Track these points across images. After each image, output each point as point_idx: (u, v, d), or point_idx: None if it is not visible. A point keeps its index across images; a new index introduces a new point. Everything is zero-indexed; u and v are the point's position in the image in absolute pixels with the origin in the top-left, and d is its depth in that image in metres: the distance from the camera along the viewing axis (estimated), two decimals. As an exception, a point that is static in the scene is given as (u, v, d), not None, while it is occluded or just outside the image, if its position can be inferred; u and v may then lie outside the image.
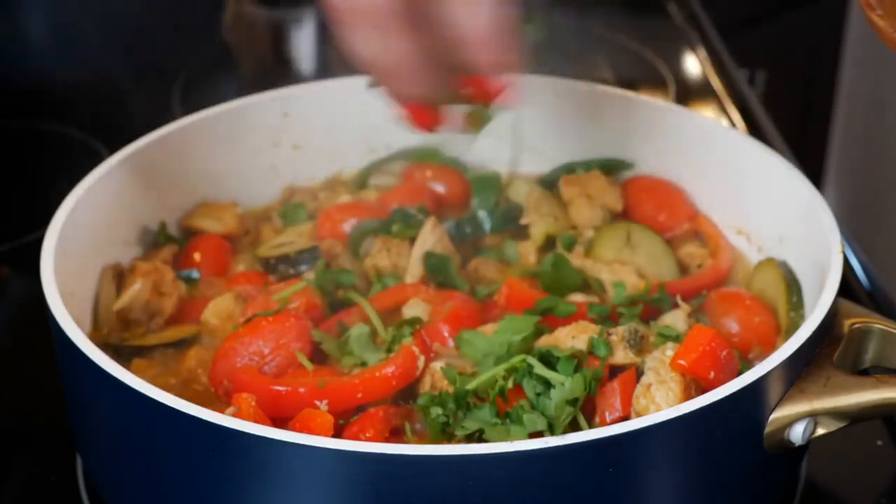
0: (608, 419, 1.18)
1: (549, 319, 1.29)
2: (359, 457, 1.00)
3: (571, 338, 1.23)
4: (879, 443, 1.36)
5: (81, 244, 1.31)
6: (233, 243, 1.48)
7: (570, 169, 1.55)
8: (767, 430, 1.12)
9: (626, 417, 1.17)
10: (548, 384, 1.17)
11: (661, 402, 1.15)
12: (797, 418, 1.12)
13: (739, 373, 1.14)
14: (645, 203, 1.50)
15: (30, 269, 1.23)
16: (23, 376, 1.45)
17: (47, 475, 1.32)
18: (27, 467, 1.35)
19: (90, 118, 1.88)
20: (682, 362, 1.18)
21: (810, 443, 1.28)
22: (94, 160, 1.38)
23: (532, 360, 1.19)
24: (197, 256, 1.44)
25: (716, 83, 2.13)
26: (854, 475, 1.34)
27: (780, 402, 1.12)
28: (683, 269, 1.45)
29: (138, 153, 1.41)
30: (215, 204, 1.51)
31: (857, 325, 1.21)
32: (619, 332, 1.23)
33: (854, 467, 1.35)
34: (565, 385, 1.16)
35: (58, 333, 1.16)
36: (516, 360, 1.20)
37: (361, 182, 1.58)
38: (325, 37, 2.21)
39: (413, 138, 1.58)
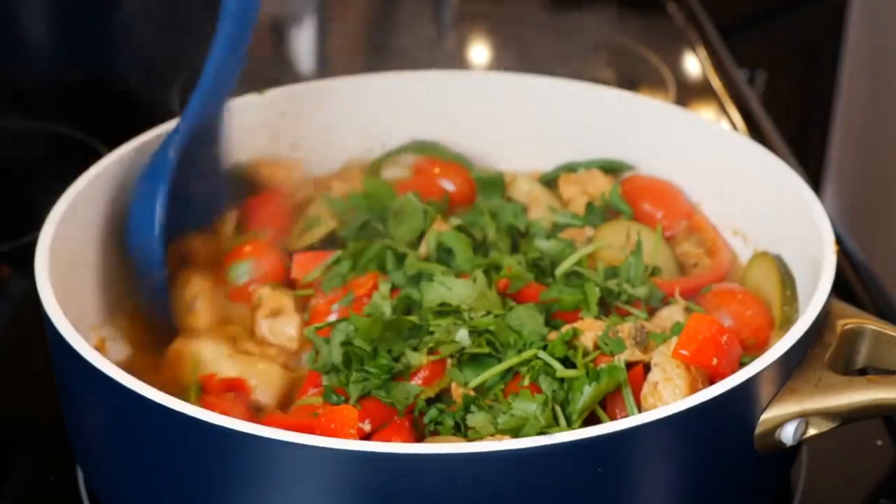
0: (619, 417, 1.17)
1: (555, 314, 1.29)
2: (352, 455, 1.00)
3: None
4: (879, 443, 1.36)
5: (77, 243, 1.31)
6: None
7: (570, 168, 1.56)
8: (758, 430, 1.12)
9: None
10: (561, 380, 1.17)
11: (669, 400, 1.15)
12: (788, 419, 1.12)
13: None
14: (643, 201, 1.50)
15: (30, 269, 1.22)
16: (23, 376, 1.45)
17: (47, 475, 1.32)
18: (27, 467, 1.35)
19: (90, 118, 1.88)
20: (683, 352, 1.17)
21: (810, 442, 1.29)
22: (94, 160, 1.38)
23: (547, 358, 1.18)
24: (257, 216, 1.45)
25: (716, 83, 2.13)
26: (854, 475, 1.34)
27: (771, 402, 1.12)
28: (679, 267, 1.44)
29: (133, 152, 1.41)
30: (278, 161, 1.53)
31: (849, 326, 1.21)
32: (625, 330, 1.23)
33: (854, 467, 1.35)
34: (597, 385, 1.15)
35: (51, 331, 1.16)
36: (527, 353, 1.19)
37: (374, 172, 1.57)
38: (325, 37, 2.22)
39: (417, 132, 1.59)
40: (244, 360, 1.29)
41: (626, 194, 1.50)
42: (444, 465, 1.00)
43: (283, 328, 1.34)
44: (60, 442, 1.28)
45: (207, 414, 1.03)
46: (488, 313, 1.25)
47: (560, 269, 1.35)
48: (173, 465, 1.09)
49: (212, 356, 1.29)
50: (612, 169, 1.54)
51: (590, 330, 1.23)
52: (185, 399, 1.09)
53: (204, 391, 1.26)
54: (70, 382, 1.19)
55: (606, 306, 1.31)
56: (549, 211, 1.48)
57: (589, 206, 1.47)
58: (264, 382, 1.27)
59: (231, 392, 1.26)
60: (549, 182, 1.56)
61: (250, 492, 1.05)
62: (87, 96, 1.93)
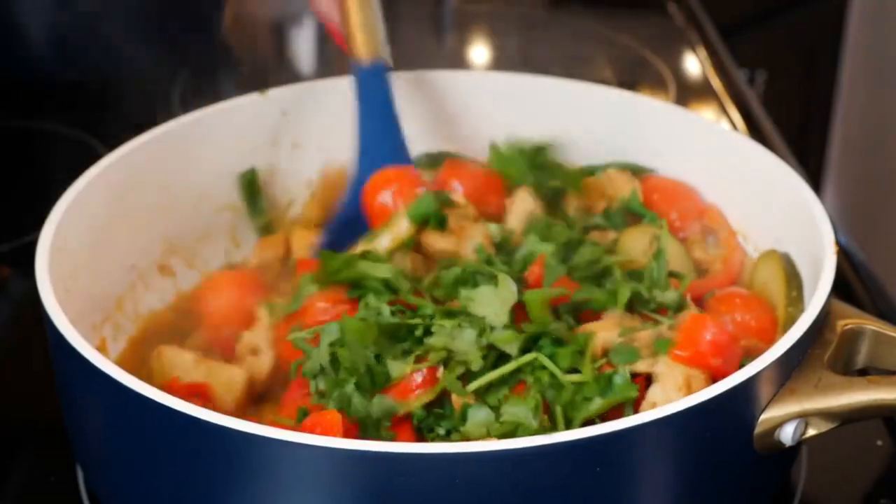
0: None
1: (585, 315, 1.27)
2: (348, 454, 1.00)
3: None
4: (879, 443, 1.36)
5: (77, 243, 1.31)
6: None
7: (589, 171, 1.54)
8: (757, 430, 1.12)
9: None
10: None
11: None
12: (787, 419, 1.12)
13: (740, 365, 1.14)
14: (657, 203, 1.48)
15: (30, 270, 1.22)
16: (23, 376, 1.45)
17: (47, 475, 1.32)
18: (27, 467, 1.35)
19: (90, 118, 1.88)
20: (681, 353, 1.17)
21: (810, 442, 1.29)
22: (94, 160, 1.38)
23: (548, 364, 1.16)
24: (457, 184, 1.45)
25: (716, 83, 2.13)
26: (854, 475, 1.34)
27: (771, 402, 1.12)
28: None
29: (134, 152, 1.41)
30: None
31: (849, 326, 1.20)
32: (643, 338, 1.21)
33: (854, 467, 1.35)
34: (606, 399, 1.15)
35: (52, 331, 1.16)
36: (526, 358, 1.17)
37: None
38: (325, 37, 2.21)
39: (415, 132, 1.58)
40: (209, 367, 1.29)
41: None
42: (442, 465, 1.00)
43: (251, 336, 1.34)
44: (60, 442, 1.28)
45: (208, 413, 1.03)
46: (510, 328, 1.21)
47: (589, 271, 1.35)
48: (174, 464, 1.09)
49: (180, 361, 1.29)
50: (630, 171, 1.54)
51: (603, 331, 1.22)
52: None
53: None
54: (70, 382, 1.19)
55: (632, 311, 1.28)
56: (579, 210, 1.47)
57: (606, 210, 1.46)
58: (225, 389, 1.28)
59: (194, 396, 1.26)
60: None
61: (250, 491, 1.05)
62: (87, 96, 1.93)
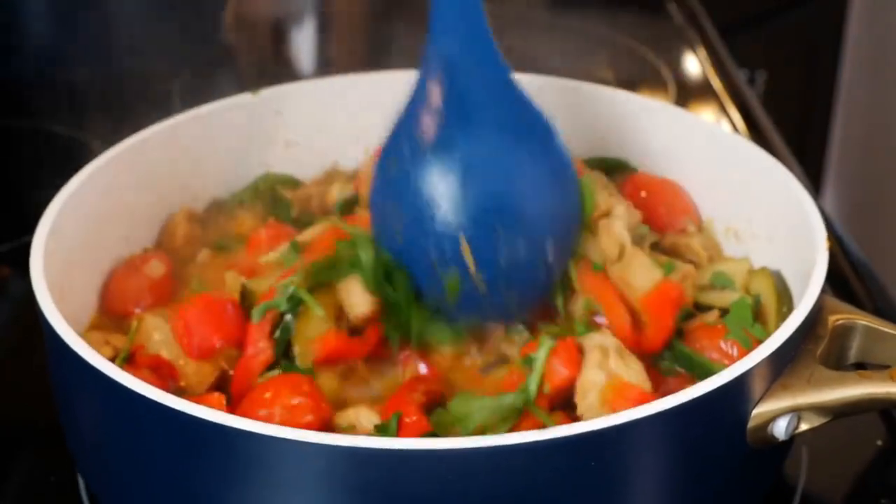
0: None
1: None
2: (343, 451, 1.00)
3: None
4: (879, 443, 1.36)
5: (72, 241, 1.31)
6: None
7: None
8: (750, 424, 1.12)
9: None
10: None
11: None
12: (780, 413, 1.12)
13: None
14: (645, 200, 1.48)
15: (29, 269, 1.23)
16: (23, 376, 1.45)
17: (47, 475, 1.32)
18: (27, 467, 1.35)
19: (90, 118, 1.89)
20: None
21: (810, 442, 1.29)
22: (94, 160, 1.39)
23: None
24: None
25: (716, 83, 2.13)
26: (854, 475, 1.34)
27: (764, 397, 1.12)
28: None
29: (128, 151, 1.41)
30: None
31: (840, 322, 1.21)
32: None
33: (854, 467, 1.35)
34: None
35: (47, 329, 1.16)
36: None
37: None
38: (325, 36, 2.22)
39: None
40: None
41: (627, 196, 1.49)
42: (435, 461, 1.00)
43: None
44: (60, 442, 1.28)
45: (209, 412, 1.03)
46: None
47: None
48: (174, 464, 1.09)
49: (159, 333, 1.29)
50: (612, 168, 1.54)
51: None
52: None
53: (129, 361, 1.26)
54: (66, 381, 1.19)
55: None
56: None
57: None
58: (194, 373, 1.27)
59: (154, 369, 1.25)
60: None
61: (249, 490, 1.05)
62: (87, 96, 1.94)
